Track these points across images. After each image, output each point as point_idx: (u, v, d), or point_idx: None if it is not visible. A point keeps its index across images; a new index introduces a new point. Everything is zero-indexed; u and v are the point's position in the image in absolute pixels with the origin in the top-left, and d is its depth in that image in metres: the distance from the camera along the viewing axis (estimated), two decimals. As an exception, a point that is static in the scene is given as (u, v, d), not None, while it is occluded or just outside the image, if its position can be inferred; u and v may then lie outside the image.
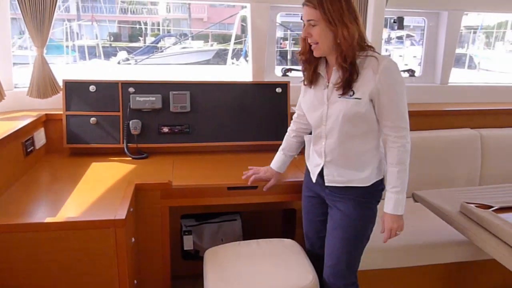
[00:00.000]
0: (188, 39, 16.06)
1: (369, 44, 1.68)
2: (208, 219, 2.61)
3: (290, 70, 3.25)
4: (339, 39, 1.59)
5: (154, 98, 2.47)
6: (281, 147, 2.08)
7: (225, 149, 2.58)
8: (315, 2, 1.61)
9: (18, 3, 2.38)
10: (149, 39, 18.25)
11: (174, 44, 14.27)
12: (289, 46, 15.87)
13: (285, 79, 3.08)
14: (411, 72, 3.39)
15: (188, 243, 2.54)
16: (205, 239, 2.60)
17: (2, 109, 2.43)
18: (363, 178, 1.73)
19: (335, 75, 1.68)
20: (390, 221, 1.73)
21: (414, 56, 10.66)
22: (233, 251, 2.04)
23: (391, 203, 1.71)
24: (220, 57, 13.84)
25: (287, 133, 2.08)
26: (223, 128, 2.57)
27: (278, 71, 3.20)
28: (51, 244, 1.65)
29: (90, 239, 1.66)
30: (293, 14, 3.25)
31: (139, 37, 19.71)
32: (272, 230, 2.72)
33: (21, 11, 2.40)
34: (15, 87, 2.66)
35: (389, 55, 11.63)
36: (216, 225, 2.62)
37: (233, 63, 8.89)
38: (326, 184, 1.81)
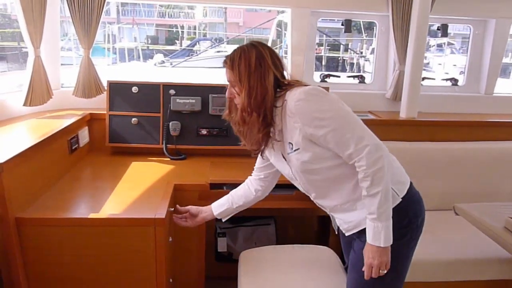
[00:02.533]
0: (223, 43, 16.23)
1: (289, 83, 1.52)
2: (242, 222, 2.62)
3: (328, 76, 3.23)
4: (248, 100, 1.48)
5: (194, 101, 2.51)
6: None
7: None
8: (228, 61, 1.54)
9: (68, 6, 2.48)
10: (185, 43, 18.59)
11: (210, 47, 14.44)
12: (324, 52, 15.85)
13: (323, 84, 3.06)
14: (454, 81, 3.30)
15: (222, 245, 2.55)
16: (239, 242, 2.61)
17: (49, 107, 2.53)
18: (364, 215, 1.50)
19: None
20: (370, 254, 1.47)
21: (454, 65, 10.36)
22: (268, 254, 2.04)
23: (369, 232, 1.46)
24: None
25: None
26: None
27: (316, 76, 3.18)
28: (93, 239, 1.70)
29: (131, 236, 1.70)
30: (329, 19, 3.23)
31: (176, 40, 20.12)
32: (306, 236, 2.70)
33: (70, 14, 2.50)
34: (62, 87, 2.77)
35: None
36: (250, 228, 2.62)
37: (268, 68, 8.89)
38: (346, 234, 1.65)
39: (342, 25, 3.04)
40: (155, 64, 12.63)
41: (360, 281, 1.57)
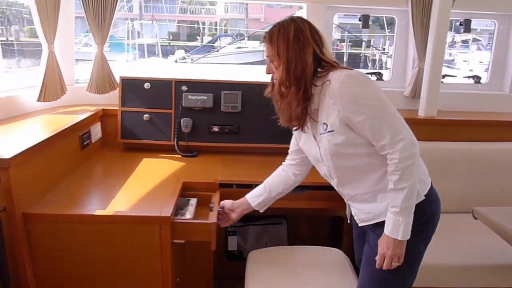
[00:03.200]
0: (244, 39, 16.20)
1: (330, 63, 1.51)
2: (253, 221, 2.58)
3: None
4: (287, 73, 1.48)
5: (205, 97, 2.48)
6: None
7: (275, 151, 2.53)
8: (267, 36, 1.53)
9: (82, 2, 2.49)
10: (206, 39, 18.63)
11: (229, 44, 14.44)
12: (346, 48, 15.63)
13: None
14: (477, 78, 3.17)
15: (232, 243, 2.53)
16: (250, 241, 2.58)
17: (63, 103, 2.54)
18: (384, 207, 1.51)
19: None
20: (385, 244, 1.47)
21: (481, 62, 10.06)
22: (277, 255, 2.01)
23: (389, 224, 1.46)
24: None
25: None
26: (274, 130, 2.49)
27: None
28: (99, 236, 1.69)
29: (136, 234, 1.69)
30: (352, 15, 3.15)
31: (197, 37, 20.20)
32: (318, 237, 2.65)
33: (84, 10, 2.51)
34: (76, 83, 2.78)
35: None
36: (261, 227, 2.59)
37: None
38: (359, 225, 1.64)
39: (359, 20, 2.96)
40: (176, 61, 12.72)
41: (374, 275, 1.57)
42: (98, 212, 1.70)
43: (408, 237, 1.45)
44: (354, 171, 1.55)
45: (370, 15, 3.00)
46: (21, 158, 1.64)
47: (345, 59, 15.11)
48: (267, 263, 1.94)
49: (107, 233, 1.69)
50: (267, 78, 2.55)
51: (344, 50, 15.23)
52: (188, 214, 1.83)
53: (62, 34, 2.50)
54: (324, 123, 1.50)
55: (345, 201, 1.70)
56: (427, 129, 2.66)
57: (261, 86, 2.49)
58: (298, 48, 1.47)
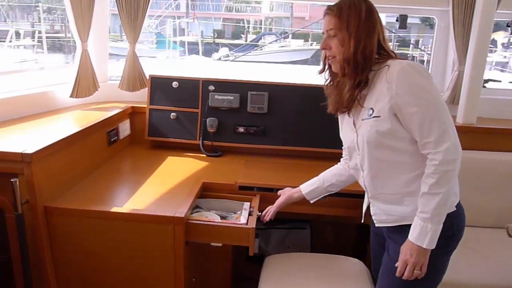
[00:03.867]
0: (288, 37, 16.11)
1: (388, 52, 1.47)
2: (276, 224, 2.53)
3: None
4: (355, 51, 1.42)
5: (232, 97, 2.47)
6: None
7: (300, 154, 2.48)
8: (335, 9, 1.47)
9: (116, 0, 2.53)
10: (251, 37, 18.71)
11: (270, 42, 14.41)
12: (392, 48, 15.17)
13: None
14: (524, 84, 2.95)
15: (254, 246, 2.49)
16: (272, 244, 2.54)
17: (95, 99, 2.61)
18: (409, 212, 1.45)
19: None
20: (408, 251, 1.40)
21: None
22: (294, 261, 1.96)
23: (415, 230, 1.39)
24: (319, 56, 13.68)
25: None
26: (300, 133, 2.46)
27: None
28: (114, 232, 1.72)
29: (150, 233, 1.70)
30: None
31: (241, 35, 20.33)
32: (342, 244, 2.57)
33: (118, 9, 2.56)
34: (109, 80, 2.85)
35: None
36: (284, 231, 2.54)
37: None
38: (376, 225, 1.59)
39: (396, 20, 2.84)
40: (219, 58, 12.86)
41: (393, 285, 1.52)
42: (115, 209, 1.72)
43: (434, 247, 1.38)
44: (387, 166, 1.48)
45: (409, 15, 2.87)
46: (45, 153, 1.69)
47: (391, 60, 14.64)
48: (282, 269, 1.90)
49: (122, 230, 1.71)
50: (309, 79, 2.47)
51: (391, 50, 14.76)
52: (243, 218, 1.82)
53: (96, 31, 2.56)
54: (371, 108, 1.45)
55: (367, 198, 1.63)
56: (465, 137, 2.45)
57: (288, 87, 2.50)
58: (368, 29, 1.43)
